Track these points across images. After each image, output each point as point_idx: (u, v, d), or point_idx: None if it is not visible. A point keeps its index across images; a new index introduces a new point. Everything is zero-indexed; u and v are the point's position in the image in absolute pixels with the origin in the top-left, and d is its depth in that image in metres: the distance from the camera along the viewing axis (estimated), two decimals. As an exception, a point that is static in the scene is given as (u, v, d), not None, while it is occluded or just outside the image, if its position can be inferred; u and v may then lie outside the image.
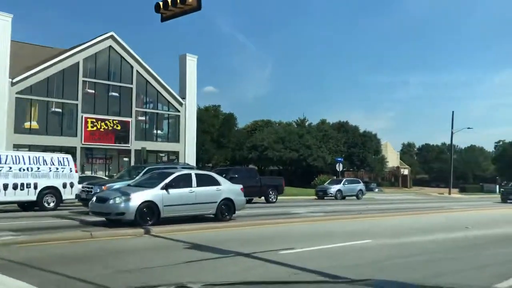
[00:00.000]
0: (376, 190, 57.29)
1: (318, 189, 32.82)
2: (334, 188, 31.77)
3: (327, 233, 11.49)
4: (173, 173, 12.42)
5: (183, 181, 12.28)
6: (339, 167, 42.24)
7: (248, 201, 22.67)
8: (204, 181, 12.68)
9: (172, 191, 11.75)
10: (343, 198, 31.53)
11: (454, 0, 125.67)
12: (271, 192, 23.42)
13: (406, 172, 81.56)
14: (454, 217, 18.07)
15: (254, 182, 22.61)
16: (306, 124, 67.22)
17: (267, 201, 23.14)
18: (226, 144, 57.65)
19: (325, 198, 30.97)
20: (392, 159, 78.43)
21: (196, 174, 12.73)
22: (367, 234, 11.14)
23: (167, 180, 11.87)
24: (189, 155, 37.53)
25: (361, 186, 34.59)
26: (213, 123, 56.30)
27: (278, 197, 24.59)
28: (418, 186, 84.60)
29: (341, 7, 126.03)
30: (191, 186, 12.26)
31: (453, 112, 55.03)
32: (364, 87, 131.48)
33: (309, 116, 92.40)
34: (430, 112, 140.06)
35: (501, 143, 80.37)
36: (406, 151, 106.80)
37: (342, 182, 33.17)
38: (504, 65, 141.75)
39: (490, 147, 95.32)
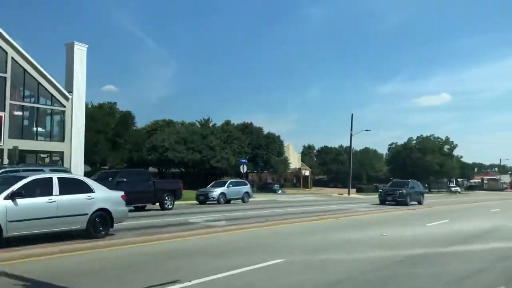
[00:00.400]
0: (279, 191, 56.84)
1: (198, 193, 28.74)
2: (216, 192, 28.31)
3: (230, 251, 9.26)
4: (25, 177, 9.31)
5: (40, 188, 9.23)
6: (243, 168, 40.62)
7: (140, 209, 19.86)
8: (70, 187, 9.72)
9: (22, 201, 8.68)
10: (228, 202, 28.58)
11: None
12: (167, 198, 20.63)
13: (307, 173, 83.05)
14: (368, 221, 16.97)
15: (147, 187, 19.71)
16: (210, 124, 65.04)
17: (162, 208, 20.32)
18: (123, 144, 53.20)
19: (207, 202, 27.63)
20: (294, 160, 79.40)
21: (60, 179, 9.69)
22: (278, 250, 9.14)
23: (14, 187, 8.75)
24: (76, 156, 33.23)
25: (247, 188, 31.24)
26: (108, 122, 51.49)
27: (176, 203, 22.04)
28: (318, 186, 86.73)
29: (249, 11, 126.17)
30: (51, 194, 9.25)
31: (352, 114, 56.71)
32: (269, 90, 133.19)
33: (214, 117, 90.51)
34: (328, 116, 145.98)
35: (393, 145, 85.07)
36: (307, 153, 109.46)
37: (226, 185, 29.78)
38: (396, 73, 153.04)
39: (383, 149, 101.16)
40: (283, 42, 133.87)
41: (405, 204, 27.46)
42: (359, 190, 65.38)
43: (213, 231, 12.16)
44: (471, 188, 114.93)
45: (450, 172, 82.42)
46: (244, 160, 42.54)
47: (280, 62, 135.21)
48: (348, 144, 61.34)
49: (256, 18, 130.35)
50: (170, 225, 13.40)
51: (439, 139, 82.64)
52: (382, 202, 28.94)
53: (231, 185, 30.07)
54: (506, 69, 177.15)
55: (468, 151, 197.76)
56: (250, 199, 30.88)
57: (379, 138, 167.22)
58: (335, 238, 11.43)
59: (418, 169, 75.65)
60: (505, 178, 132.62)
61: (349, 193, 54.10)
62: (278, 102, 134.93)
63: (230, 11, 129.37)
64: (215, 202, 27.69)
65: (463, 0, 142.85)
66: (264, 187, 62.60)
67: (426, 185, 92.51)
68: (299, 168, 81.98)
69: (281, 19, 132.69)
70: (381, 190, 31.36)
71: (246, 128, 63.46)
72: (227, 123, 64.56)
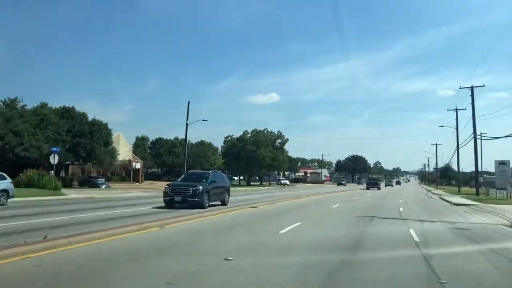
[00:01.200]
0: (103, 186, 49.83)
1: None
2: None
3: None
4: None
5: None
6: (54, 158, 33.14)
7: None
8: None
9: None
10: None
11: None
12: None
13: (138, 166, 76.70)
14: (203, 230, 12.70)
15: None
16: (19, 106, 53.90)
17: None
18: None
19: None
20: (125, 152, 72.75)
21: None
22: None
23: None
24: None
25: (6, 184, 21.58)
26: None
27: None
28: (150, 180, 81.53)
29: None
30: None
31: (188, 102, 52.48)
32: (102, 78, 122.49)
33: (34, 103, 77.10)
34: (165, 108, 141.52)
35: (229, 138, 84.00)
36: (140, 144, 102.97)
37: None
38: (232, 71, 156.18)
39: (220, 144, 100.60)
40: (119, 30, 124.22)
41: (201, 205, 19.70)
42: (194, 184, 61.88)
43: None
44: (296, 181, 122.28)
45: (281, 165, 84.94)
46: (55, 149, 35.03)
47: (115, 50, 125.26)
48: (184, 137, 57.17)
49: (92, 2, 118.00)
50: None
51: (272, 133, 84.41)
52: (169, 203, 20.11)
53: None
54: (327, 74, 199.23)
55: (293, 147, 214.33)
56: (22, 199, 23.44)
57: (216, 132, 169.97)
58: (161, 273, 6.76)
59: (252, 162, 75.90)
60: (325, 172, 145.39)
61: (182, 187, 49.95)
62: (112, 91, 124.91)
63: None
64: None
65: (294, 9, 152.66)
66: (86, 181, 54.74)
67: (258, 177, 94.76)
68: (130, 160, 75.18)
69: (117, 6, 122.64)
70: (167, 186, 21.50)
71: (67, 113, 54.26)
72: (43, 105, 54.40)
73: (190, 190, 19.93)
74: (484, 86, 44.20)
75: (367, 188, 70.53)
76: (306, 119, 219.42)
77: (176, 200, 19.95)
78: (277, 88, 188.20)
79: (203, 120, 53.79)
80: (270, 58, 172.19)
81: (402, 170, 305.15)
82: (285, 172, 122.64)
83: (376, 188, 70.24)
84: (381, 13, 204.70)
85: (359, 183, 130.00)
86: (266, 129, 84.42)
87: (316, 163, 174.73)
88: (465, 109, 55.06)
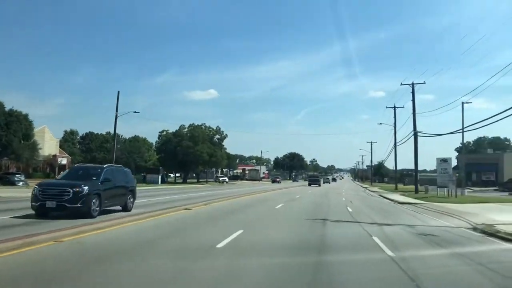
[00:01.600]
0: (21, 183, 44.61)
1: None
2: None
3: None
4: None
5: None
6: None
7: None
8: None
9: None
10: None
11: None
12: None
13: (65, 161, 71.01)
14: (116, 247, 9.86)
15: None
16: None
17: None
18: None
19: None
20: (51, 146, 67.15)
21: None
22: None
23: None
24: None
25: None
26: None
27: None
28: (79, 177, 75.54)
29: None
30: None
31: (118, 92, 48.24)
32: (28, 70, 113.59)
33: None
34: (97, 102, 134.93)
35: (165, 132, 79.85)
36: (69, 139, 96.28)
37: None
38: (166, 67, 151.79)
39: (155, 139, 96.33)
40: (50, 23, 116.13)
41: (86, 213, 14.14)
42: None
43: None
44: (234, 178, 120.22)
45: (220, 162, 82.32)
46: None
47: (45, 42, 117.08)
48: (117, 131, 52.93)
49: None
50: None
51: (210, 129, 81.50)
52: (40, 210, 14.32)
53: None
54: (265, 73, 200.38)
55: (231, 144, 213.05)
56: None
57: (152, 128, 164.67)
58: None
59: (189, 158, 72.57)
60: (264, 169, 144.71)
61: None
62: (40, 84, 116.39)
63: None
64: None
65: (232, 6, 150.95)
66: (1, 178, 48.99)
67: (195, 174, 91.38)
68: (55, 155, 69.37)
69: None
70: (36, 186, 15.02)
71: (-20, 103, 48.34)
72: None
73: (69, 192, 14.13)
74: (424, 83, 44.38)
75: (309, 185, 76.36)
76: (245, 116, 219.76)
77: (49, 206, 14.15)
78: (215, 85, 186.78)
79: (135, 112, 50.22)
80: (207, 54, 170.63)
81: (336, 167, 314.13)
82: (224, 169, 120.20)
83: (317, 185, 77.38)
84: (317, 14, 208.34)
85: (294, 180, 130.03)
86: (204, 124, 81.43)
87: (254, 160, 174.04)
88: (403, 107, 58.23)
